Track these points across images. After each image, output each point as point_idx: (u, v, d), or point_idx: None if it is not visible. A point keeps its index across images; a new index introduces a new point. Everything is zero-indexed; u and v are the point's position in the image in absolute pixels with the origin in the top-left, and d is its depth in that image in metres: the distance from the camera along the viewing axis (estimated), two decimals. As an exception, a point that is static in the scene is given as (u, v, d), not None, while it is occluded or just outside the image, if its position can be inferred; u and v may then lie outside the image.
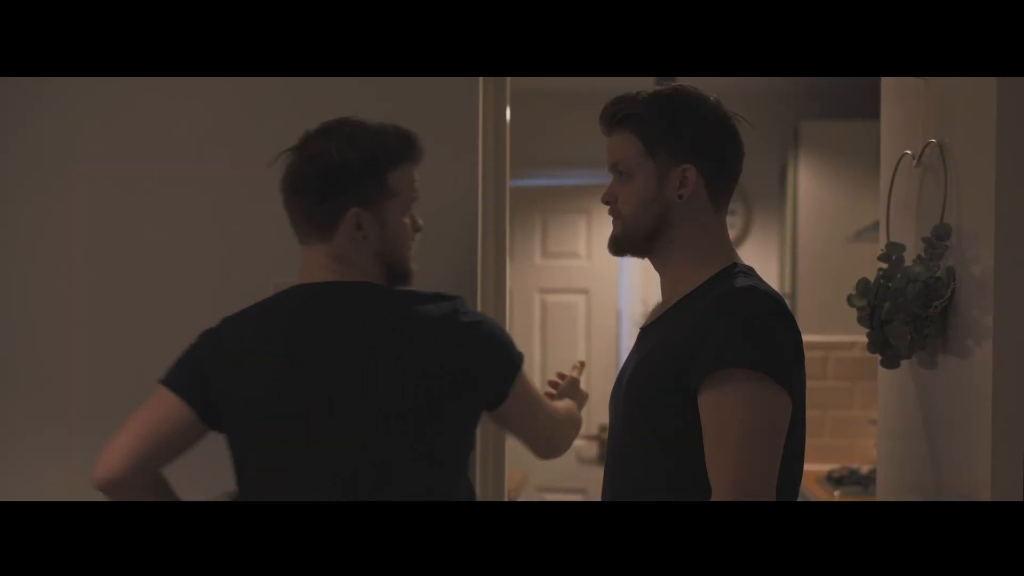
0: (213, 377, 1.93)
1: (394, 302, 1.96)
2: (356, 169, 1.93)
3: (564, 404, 2.29)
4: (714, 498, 1.70)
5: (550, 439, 2.19)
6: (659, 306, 1.97)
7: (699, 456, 1.74)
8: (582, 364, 2.52)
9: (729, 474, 1.69)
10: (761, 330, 1.75)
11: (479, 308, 2.51)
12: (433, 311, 1.95)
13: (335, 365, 1.89)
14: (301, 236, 2.00)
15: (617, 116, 1.90)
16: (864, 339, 2.01)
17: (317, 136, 1.97)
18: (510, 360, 2.02)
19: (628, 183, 1.89)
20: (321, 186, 1.94)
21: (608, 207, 1.94)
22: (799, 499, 1.85)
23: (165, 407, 1.93)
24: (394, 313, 1.94)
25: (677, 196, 1.87)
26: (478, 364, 1.96)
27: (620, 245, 1.93)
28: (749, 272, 1.88)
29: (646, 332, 1.96)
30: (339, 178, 1.93)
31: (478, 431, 2.49)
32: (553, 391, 2.40)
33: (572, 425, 2.28)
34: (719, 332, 1.74)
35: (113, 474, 1.90)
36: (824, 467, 4.77)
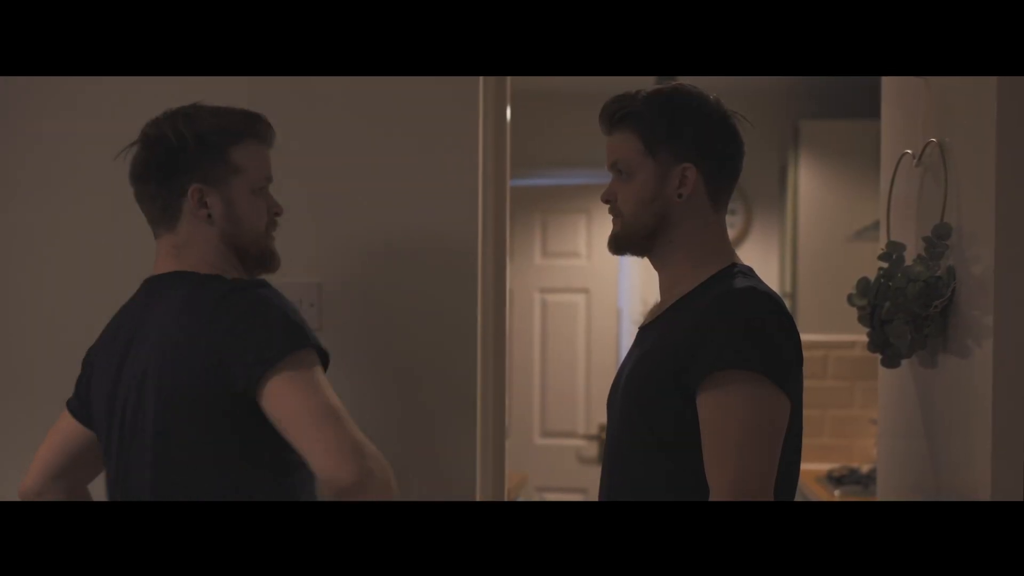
0: (81, 385, 2.05)
1: (185, 291, 1.87)
2: (194, 145, 1.88)
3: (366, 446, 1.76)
4: (713, 498, 1.70)
5: (323, 467, 1.72)
6: (657, 305, 1.97)
7: (698, 456, 1.74)
8: None
9: (728, 474, 1.69)
10: (761, 331, 1.75)
11: (479, 308, 2.50)
12: (208, 296, 1.84)
13: (133, 365, 1.88)
14: (153, 227, 1.95)
15: (617, 115, 1.90)
16: (864, 338, 2.01)
17: (156, 122, 1.93)
18: (261, 351, 1.76)
19: (628, 182, 1.89)
20: (161, 167, 1.90)
21: (608, 206, 1.94)
22: (799, 498, 1.85)
23: (63, 422, 2.07)
24: (176, 303, 1.86)
25: (677, 195, 1.87)
26: (228, 353, 1.78)
27: (620, 244, 1.93)
28: (748, 272, 1.88)
29: (645, 331, 1.96)
30: (178, 157, 1.89)
31: (476, 430, 2.50)
32: None
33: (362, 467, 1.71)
34: (719, 332, 1.74)
35: (27, 487, 2.04)
36: (824, 466, 4.77)
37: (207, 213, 1.90)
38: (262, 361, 1.75)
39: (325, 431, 1.72)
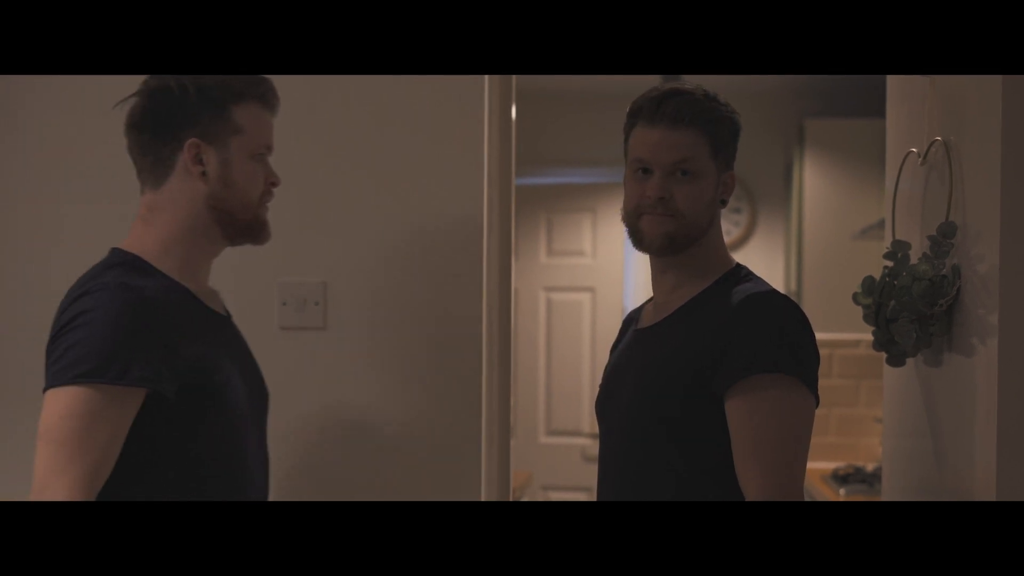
0: None
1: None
2: (195, 98, 1.83)
3: None
4: (749, 500, 1.72)
5: None
6: (656, 307, 1.97)
7: (707, 449, 1.78)
8: None
9: (766, 477, 1.72)
10: (791, 335, 1.78)
11: (484, 306, 2.51)
12: (70, 291, 1.84)
13: None
14: (140, 183, 1.90)
15: (688, 115, 1.87)
16: (869, 337, 2.01)
17: (160, 76, 1.87)
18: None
19: (692, 182, 1.87)
20: (159, 117, 1.85)
21: (659, 202, 1.86)
22: (804, 497, 1.86)
23: None
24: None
25: (720, 200, 1.92)
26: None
27: (677, 242, 1.88)
28: (753, 274, 1.91)
29: (646, 333, 1.95)
30: (178, 108, 1.83)
31: (481, 429, 2.51)
32: None
33: None
34: (750, 336, 1.76)
35: None
36: (829, 465, 4.77)
37: (201, 170, 1.84)
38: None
39: None
